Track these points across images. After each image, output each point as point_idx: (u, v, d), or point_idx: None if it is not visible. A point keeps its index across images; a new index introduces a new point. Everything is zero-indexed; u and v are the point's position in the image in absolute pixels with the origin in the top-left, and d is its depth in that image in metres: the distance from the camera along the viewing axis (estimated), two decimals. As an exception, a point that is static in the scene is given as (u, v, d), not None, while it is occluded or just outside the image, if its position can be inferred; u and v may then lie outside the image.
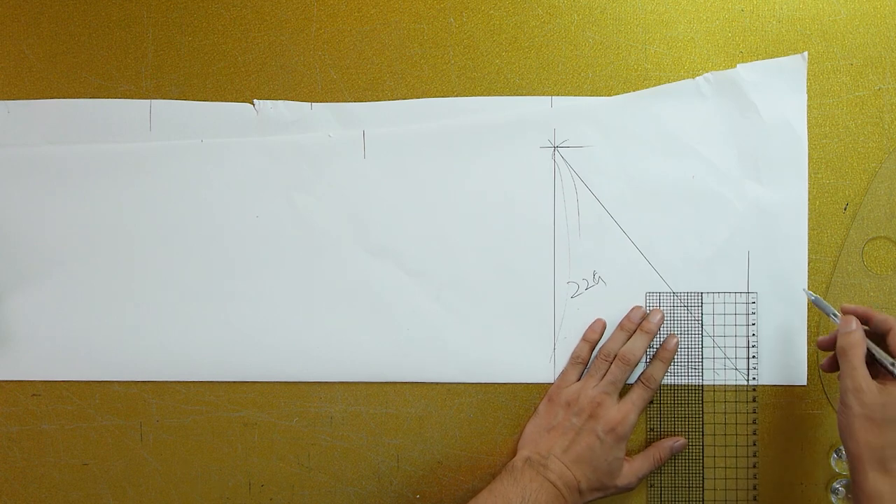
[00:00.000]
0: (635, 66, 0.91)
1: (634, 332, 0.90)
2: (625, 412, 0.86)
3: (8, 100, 0.92)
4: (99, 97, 0.92)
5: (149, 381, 0.92)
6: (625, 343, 0.89)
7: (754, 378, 0.90)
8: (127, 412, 0.92)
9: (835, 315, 0.83)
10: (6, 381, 0.93)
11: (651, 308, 0.91)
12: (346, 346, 0.91)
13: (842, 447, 0.89)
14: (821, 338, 0.85)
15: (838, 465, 0.90)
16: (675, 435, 0.91)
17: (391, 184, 0.91)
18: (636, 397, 0.88)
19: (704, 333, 0.90)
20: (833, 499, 0.90)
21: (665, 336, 0.91)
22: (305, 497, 0.92)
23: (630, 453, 0.90)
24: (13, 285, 0.92)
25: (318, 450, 0.92)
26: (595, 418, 0.86)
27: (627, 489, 0.88)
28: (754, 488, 0.91)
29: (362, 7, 0.92)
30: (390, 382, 0.92)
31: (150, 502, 0.93)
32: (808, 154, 0.90)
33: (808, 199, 0.90)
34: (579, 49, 0.91)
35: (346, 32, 0.92)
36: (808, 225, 0.90)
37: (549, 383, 0.91)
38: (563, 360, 0.91)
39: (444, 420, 0.92)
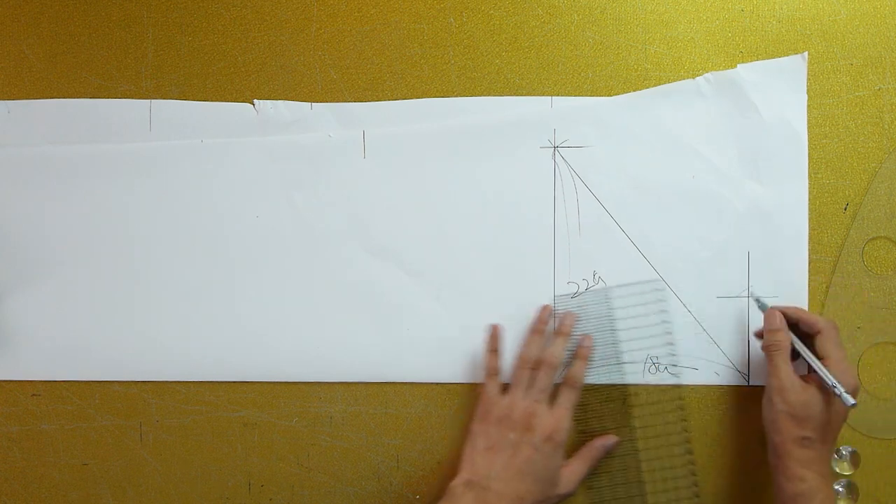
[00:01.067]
0: (635, 66, 0.91)
1: (545, 333, 0.90)
2: (559, 417, 0.86)
3: (8, 100, 0.92)
4: (99, 97, 0.92)
5: (149, 382, 0.92)
6: (540, 346, 0.89)
7: (674, 373, 0.91)
8: (127, 412, 0.92)
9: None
10: (6, 381, 0.92)
11: (558, 308, 0.91)
12: (346, 346, 0.91)
13: (841, 448, 0.90)
14: (757, 330, 0.89)
15: (839, 465, 0.90)
16: (605, 433, 0.91)
17: (391, 184, 0.91)
18: (565, 400, 0.88)
19: (618, 328, 0.91)
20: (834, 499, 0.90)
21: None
22: (305, 497, 0.92)
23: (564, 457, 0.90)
24: (13, 285, 0.92)
25: (318, 450, 0.92)
26: (531, 430, 0.86)
27: (569, 495, 0.88)
28: (694, 481, 0.91)
29: (362, 7, 0.92)
30: (390, 382, 0.92)
31: (150, 502, 0.93)
32: (808, 154, 0.90)
33: (808, 199, 0.90)
34: (579, 49, 0.91)
35: (346, 32, 0.92)
36: (808, 225, 0.90)
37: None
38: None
39: (444, 420, 0.92)
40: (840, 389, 0.79)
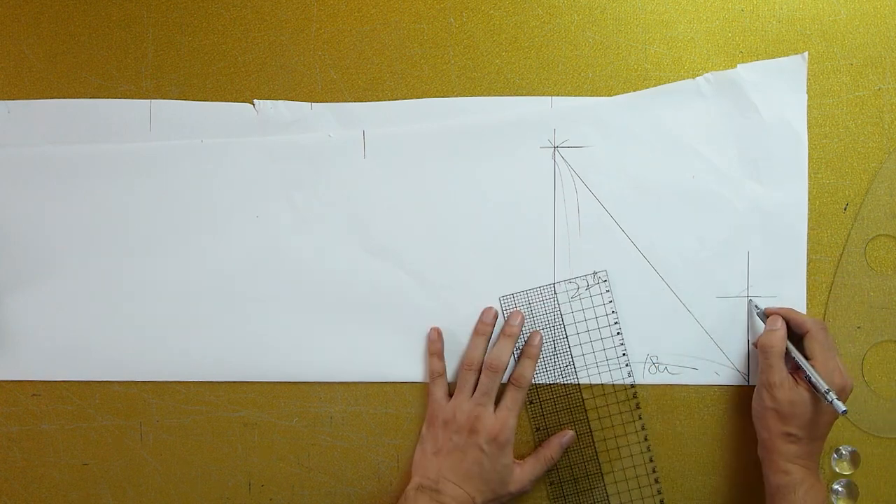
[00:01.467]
0: (635, 66, 0.91)
1: (490, 334, 0.90)
2: (503, 419, 0.87)
3: (8, 100, 0.92)
4: (99, 97, 0.92)
5: (149, 382, 0.92)
6: (484, 348, 0.90)
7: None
8: (127, 412, 0.92)
9: (763, 317, 0.89)
10: (6, 380, 0.92)
11: (506, 310, 0.91)
12: (346, 347, 0.92)
13: (841, 448, 0.90)
14: (754, 340, 0.90)
15: (839, 465, 0.90)
16: (561, 430, 0.91)
17: (391, 184, 0.91)
18: (510, 401, 0.88)
19: (566, 323, 0.91)
20: (834, 499, 0.90)
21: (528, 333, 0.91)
22: (305, 497, 0.92)
23: (521, 457, 0.90)
24: (13, 285, 0.92)
25: (318, 450, 0.92)
26: (475, 432, 0.86)
27: (522, 493, 0.88)
28: (658, 486, 0.91)
29: (362, 7, 0.92)
30: (390, 382, 0.92)
31: (150, 502, 0.93)
32: (808, 154, 0.90)
33: (808, 199, 0.90)
34: (579, 49, 0.91)
35: (346, 32, 0.92)
36: (808, 225, 0.90)
37: (548, 384, 0.91)
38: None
39: (444, 420, 0.92)
40: (832, 396, 0.80)
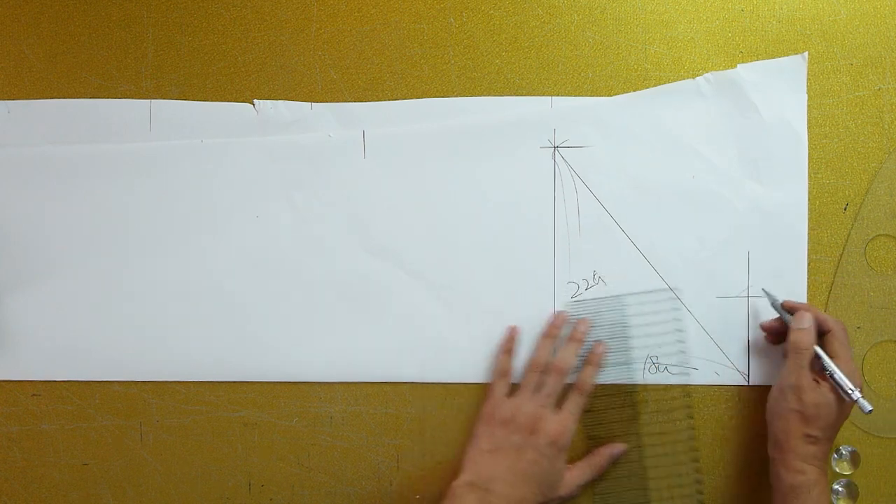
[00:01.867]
0: (635, 66, 0.91)
1: (557, 338, 0.90)
2: (564, 423, 0.86)
3: (8, 100, 0.92)
4: (99, 97, 0.92)
5: (149, 382, 0.92)
6: (551, 351, 0.90)
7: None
8: (127, 412, 0.92)
9: (786, 315, 0.87)
10: (6, 380, 0.92)
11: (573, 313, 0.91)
12: (346, 346, 0.92)
13: (841, 448, 0.90)
14: (762, 322, 0.89)
15: (839, 465, 0.90)
16: (613, 439, 0.91)
17: (391, 184, 0.91)
18: (573, 406, 0.88)
19: (632, 335, 0.91)
20: (834, 499, 0.90)
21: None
22: (305, 497, 0.92)
23: (570, 461, 0.89)
24: (13, 285, 0.92)
25: (318, 450, 0.92)
26: (536, 433, 0.86)
27: (570, 498, 0.88)
28: (700, 497, 0.91)
29: (362, 7, 0.92)
30: (390, 382, 0.92)
31: (150, 502, 0.93)
32: (808, 154, 0.90)
33: (808, 199, 0.90)
34: (579, 49, 0.91)
35: (346, 32, 0.92)
36: (808, 225, 0.90)
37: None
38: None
39: (444, 420, 0.92)
40: (857, 395, 0.80)
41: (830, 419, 0.81)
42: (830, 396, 0.81)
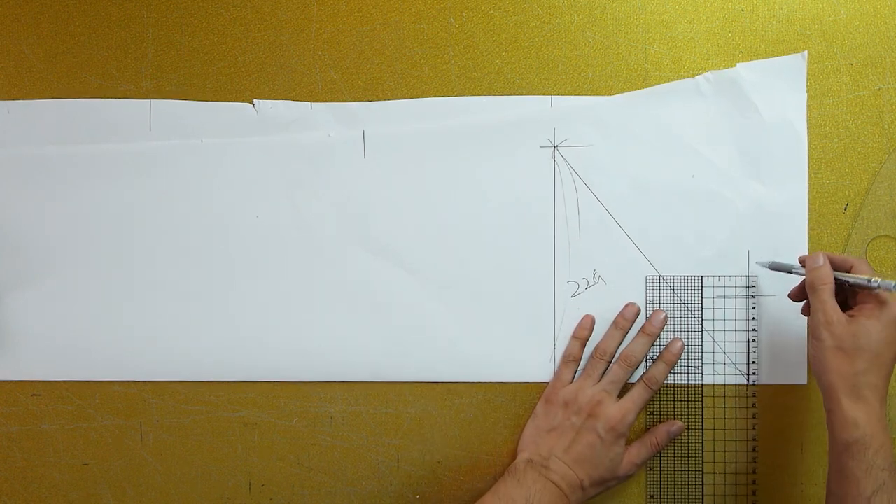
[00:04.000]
0: (635, 66, 0.91)
1: (628, 329, 0.90)
2: (625, 410, 0.87)
3: (8, 100, 0.92)
4: (99, 97, 0.92)
5: (149, 382, 0.92)
6: (619, 341, 0.90)
7: (755, 373, 0.90)
8: (127, 412, 0.92)
9: (797, 267, 0.85)
10: (6, 380, 0.92)
11: (650, 304, 0.91)
12: (346, 346, 0.92)
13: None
14: (791, 290, 0.87)
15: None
16: (672, 419, 0.91)
17: (391, 183, 0.91)
18: (637, 396, 0.88)
19: (704, 329, 0.91)
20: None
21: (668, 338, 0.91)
22: (305, 497, 0.92)
23: (627, 441, 0.89)
24: (13, 285, 0.92)
25: (318, 450, 0.92)
26: (595, 417, 0.86)
27: (628, 477, 0.89)
28: (754, 487, 0.91)
29: (362, 7, 0.92)
30: (390, 382, 0.92)
31: (150, 502, 0.93)
32: (808, 154, 0.90)
33: (809, 199, 0.90)
34: (579, 49, 0.91)
35: (346, 32, 0.92)
36: (809, 225, 0.90)
37: (549, 383, 0.91)
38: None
39: (444, 420, 0.92)
40: (878, 280, 0.77)
41: (872, 346, 0.76)
42: (865, 324, 0.77)
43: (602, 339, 0.90)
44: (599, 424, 0.86)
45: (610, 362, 0.89)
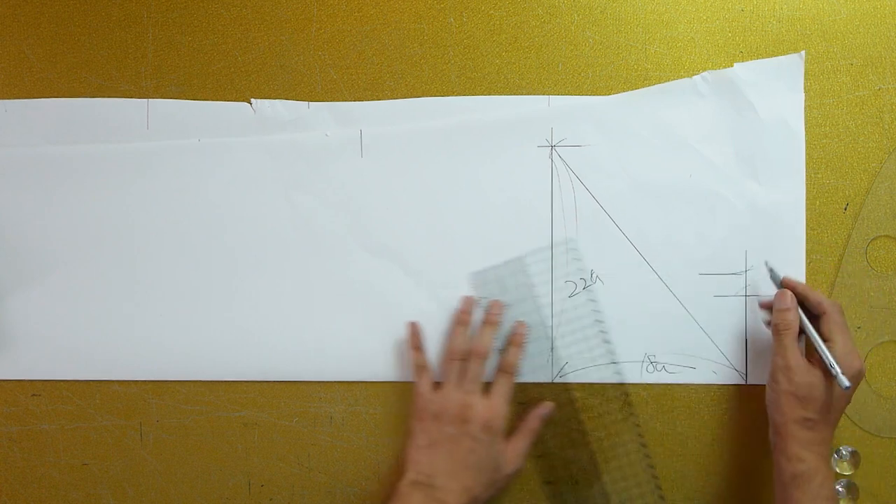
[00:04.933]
0: (635, 66, 0.91)
1: (470, 322, 0.90)
2: (495, 406, 0.87)
3: (8, 99, 0.92)
4: (99, 97, 0.92)
5: (149, 382, 0.92)
6: (466, 337, 0.90)
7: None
8: (127, 412, 0.92)
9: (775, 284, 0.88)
10: (6, 380, 0.93)
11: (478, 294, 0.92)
12: (344, 346, 0.92)
13: (841, 448, 0.90)
14: (761, 300, 0.89)
15: (839, 465, 0.90)
16: (543, 402, 0.91)
17: (389, 183, 0.91)
18: (500, 387, 0.88)
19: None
20: (833, 497, 0.90)
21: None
22: (305, 497, 0.92)
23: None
24: (13, 285, 0.92)
25: (318, 450, 0.92)
26: (467, 421, 0.86)
27: (517, 472, 0.88)
28: (653, 472, 0.91)
29: (362, 7, 0.92)
30: (390, 382, 0.92)
31: (150, 502, 0.93)
32: (809, 154, 0.90)
33: (808, 199, 0.90)
34: (579, 49, 0.91)
35: (346, 32, 0.92)
36: (808, 225, 0.90)
37: (546, 382, 0.91)
38: (561, 359, 0.91)
39: (443, 420, 0.92)
40: (837, 370, 0.80)
41: (824, 400, 0.81)
42: (821, 377, 0.81)
43: (449, 340, 0.91)
44: (473, 427, 0.86)
45: (463, 360, 0.89)
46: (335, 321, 0.91)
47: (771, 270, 0.88)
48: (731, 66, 0.90)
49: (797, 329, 0.83)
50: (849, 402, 0.83)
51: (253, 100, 0.91)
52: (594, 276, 0.90)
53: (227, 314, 0.92)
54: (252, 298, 0.92)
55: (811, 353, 0.83)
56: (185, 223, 0.92)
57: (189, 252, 0.92)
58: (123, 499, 0.93)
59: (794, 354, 0.82)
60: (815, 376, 0.81)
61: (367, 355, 0.92)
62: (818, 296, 0.85)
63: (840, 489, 0.90)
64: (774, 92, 0.90)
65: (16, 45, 0.92)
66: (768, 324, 0.87)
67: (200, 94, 0.91)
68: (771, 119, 0.90)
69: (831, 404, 0.81)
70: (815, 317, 0.84)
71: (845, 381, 0.79)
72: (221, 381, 0.92)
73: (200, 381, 0.92)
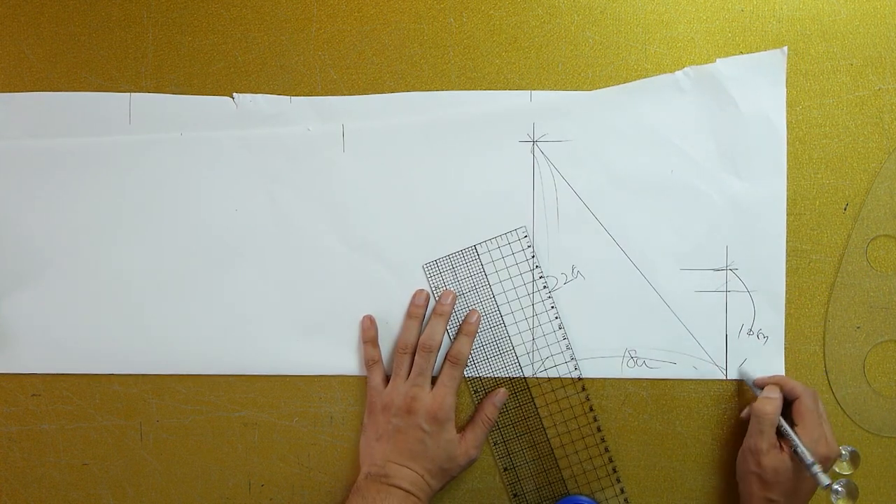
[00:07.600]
0: (635, 66, 0.91)
1: (422, 316, 0.91)
2: (440, 397, 0.87)
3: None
4: (81, 91, 0.92)
5: (149, 382, 0.92)
6: (417, 330, 0.90)
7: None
8: (127, 412, 0.92)
9: (752, 384, 0.89)
10: (6, 379, 0.93)
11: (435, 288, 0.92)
12: (324, 341, 0.92)
13: (841, 448, 0.90)
14: (756, 379, 0.90)
15: (839, 465, 0.90)
16: (496, 389, 0.91)
17: (371, 177, 0.91)
18: (446, 378, 0.89)
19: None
20: (834, 499, 0.90)
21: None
22: (305, 497, 0.92)
23: (460, 429, 0.90)
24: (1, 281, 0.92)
25: (318, 450, 0.92)
26: (413, 413, 0.87)
27: (471, 462, 0.89)
28: (613, 466, 0.91)
29: (362, 7, 0.92)
30: (388, 382, 0.92)
31: (150, 502, 0.93)
32: (809, 154, 0.90)
33: (809, 199, 0.90)
34: (579, 49, 0.91)
35: (346, 32, 0.92)
36: (808, 225, 0.90)
37: (528, 377, 0.91)
38: (542, 354, 0.91)
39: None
40: (816, 469, 0.81)
41: (789, 485, 0.83)
42: (789, 463, 0.83)
43: (400, 333, 0.91)
44: (419, 418, 0.86)
45: (413, 354, 0.90)
46: (314, 315, 0.92)
47: (745, 374, 0.90)
48: (722, 63, 0.90)
49: (776, 417, 0.84)
50: (816, 487, 0.84)
51: (235, 94, 0.91)
52: (575, 270, 0.90)
53: (208, 308, 0.92)
54: (232, 292, 0.92)
55: (783, 437, 0.84)
56: (165, 217, 0.92)
57: (169, 245, 0.92)
58: (123, 499, 0.93)
59: (768, 440, 0.84)
60: (782, 462, 0.83)
61: (348, 349, 0.92)
62: (792, 382, 0.87)
63: (840, 489, 0.90)
64: (756, 87, 0.89)
65: (16, 45, 0.93)
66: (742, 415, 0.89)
67: (200, 94, 0.91)
68: (752, 114, 0.89)
69: (798, 488, 0.83)
70: (789, 402, 0.86)
71: (825, 480, 0.80)
72: (222, 382, 0.92)
73: (191, 374, 0.92)
